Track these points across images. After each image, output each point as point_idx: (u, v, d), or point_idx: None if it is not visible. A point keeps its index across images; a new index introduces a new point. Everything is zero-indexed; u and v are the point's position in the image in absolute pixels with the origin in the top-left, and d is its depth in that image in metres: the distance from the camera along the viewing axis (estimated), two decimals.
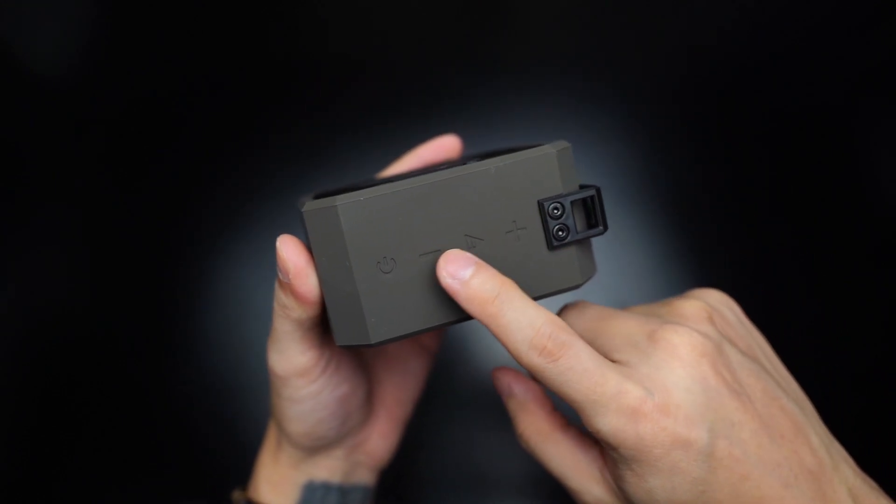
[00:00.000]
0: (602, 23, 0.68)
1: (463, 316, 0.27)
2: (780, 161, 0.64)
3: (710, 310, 0.29)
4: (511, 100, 0.65)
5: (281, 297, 0.29)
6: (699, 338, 0.26)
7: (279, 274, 0.28)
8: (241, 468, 0.58)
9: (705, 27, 0.68)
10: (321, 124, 0.65)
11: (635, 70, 0.66)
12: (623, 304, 0.60)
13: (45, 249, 0.62)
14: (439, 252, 0.27)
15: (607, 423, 0.25)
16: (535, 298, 0.28)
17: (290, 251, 0.28)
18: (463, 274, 0.25)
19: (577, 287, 0.28)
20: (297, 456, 0.33)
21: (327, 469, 0.34)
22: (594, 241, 0.61)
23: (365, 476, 0.36)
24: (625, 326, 0.28)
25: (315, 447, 0.33)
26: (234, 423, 0.58)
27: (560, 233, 0.27)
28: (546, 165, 0.27)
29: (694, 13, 0.68)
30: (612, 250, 0.61)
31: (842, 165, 0.63)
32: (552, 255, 0.27)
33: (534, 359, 0.25)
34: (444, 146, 0.35)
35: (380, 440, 0.36)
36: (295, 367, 0.30)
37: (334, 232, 0.26)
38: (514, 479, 0.57)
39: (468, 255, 0.26)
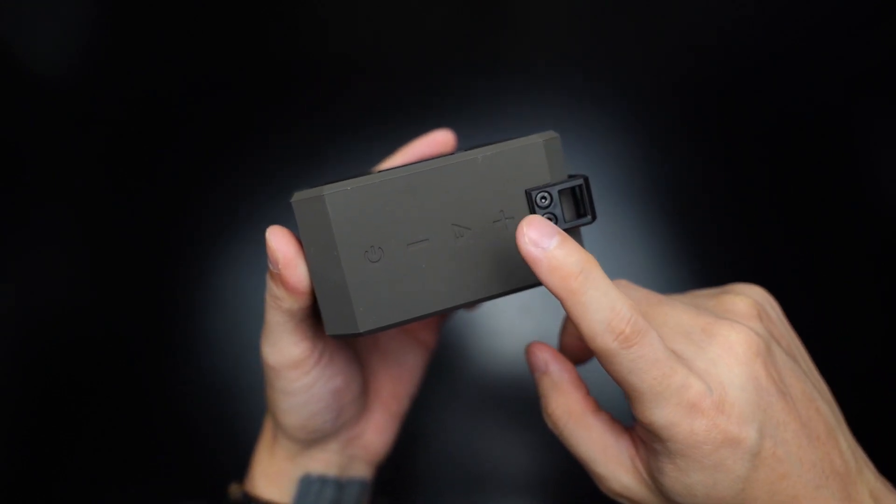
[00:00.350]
0: (602, 22, 0.68)
1: (451, 305, 0.27)
2: (781, 160, 0.64)
3: (759, 307, 0.29)
4: (511, 99, 0.65)
5: (272, 287, 0.29)
6: (754, 337, 0.26)
7: (269, 264, 0.28)
8: (241, 468, 0.58)
9: (706, 26, 0.68)
10: (321, 124, 0.65)
11: (635, 69, 0.66)
12: None
13: (44, 249, 0.62)
14: (427, 241, 0.27)
15: (664, 415, 0.25)
16: (523, 289, 0.28)
17: (279, 241, 0.28)
18: (547, 243, 0.24)
19: None
20: (293, 449, 0.33)
21: (323, 462, 0.33)
22: (586, 233, 0.61)
23: (362, 470, 0.35)
24: (679, 316, 0.28)
25: (310, 440, 0.32)
26: (233, 423, 0.58)
27: None
28: (534, 155, 0.27)
29: (694, 12, 0.68)
30: (611, 249, 0.61)
31: (842, 165, 0.63)
32: None
33: (609, 342, 0.25)
34: (438, 140, 0.35)
35: (376, 434, 0.36)
36: (288, 358, 0.30)
37: (322, 222, 0.26)
38: (514, 479, 0.57)
39: (551, 223, 0.25)
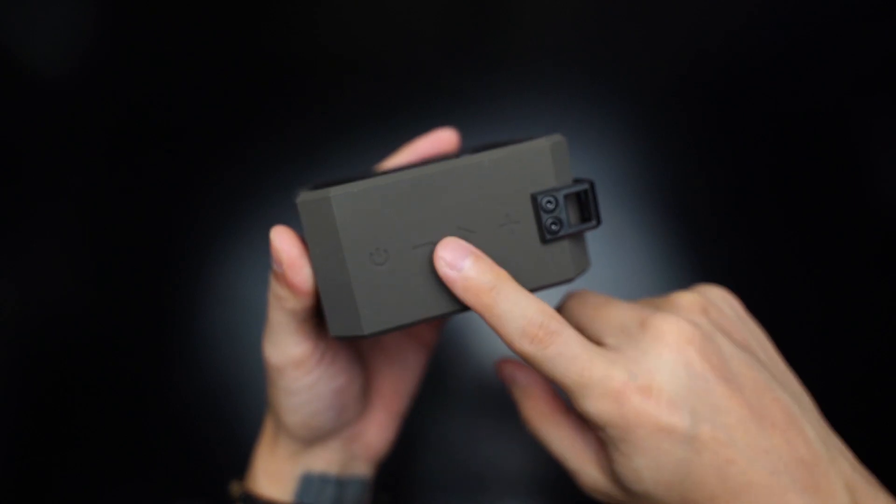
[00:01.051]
0: (604, 22, 0.68)
1: (456, 308, 0.27)
2: (783, 161, 0.64)
3: (706, 302, 0.29)
4: (510, 98, 0.65)
5: (276, 287, 0.29)
6: (687, 325, 0.27)
7: (273, 264, 0.29)
8: (240, 467, 0.58)
9: (707, 25, 0.68)
10: (320, 123, 0.65)
11: (636, 69, 0.66)
12: None
13: (44, 249, 0.62)
14: (432, 244, 0.27)
15: (593, 405, 0.26)
16: (530, 290, 0.28)
17: (283, 241, 0.28)
18: (460, 264, 0.26)
19: (569, 281, 0.28)
20: (294, 447, 0.33)
21: (324, 460, 0.34)
22: (589, 235, 0.61)
23: (362, 468, 0.36)
24: (619, 313, 0.29)
25: (312, 438, 0.33)
26: (233, 423, 0.58)
27: (553, 226, 0.27)
28: (540, 158, 0.27)
29: (696, 11, 0.68)
30: (612, 249, 0.61)
31: (845, 166, 0.63)
32: (545, 248, 0.27)
33: (525, 346, 0.26)
34: (441, 139, 0.35)
35: (377, 432, 0.36)
36: (290, 357, 0.30)
37: (328, 223, 0.26)
38: (514, 479, 0.57)
39: (465, 244, 0.26)
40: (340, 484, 0.34)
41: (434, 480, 0.57)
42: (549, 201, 0.27)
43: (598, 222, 0.28)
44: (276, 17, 0.68)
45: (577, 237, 0.29)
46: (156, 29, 0.68)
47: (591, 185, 0.28)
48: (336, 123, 0.65)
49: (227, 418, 0.58)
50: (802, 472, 0.27)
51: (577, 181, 0.28)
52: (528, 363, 0.27)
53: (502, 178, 0.27)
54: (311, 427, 0.32)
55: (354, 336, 0.27)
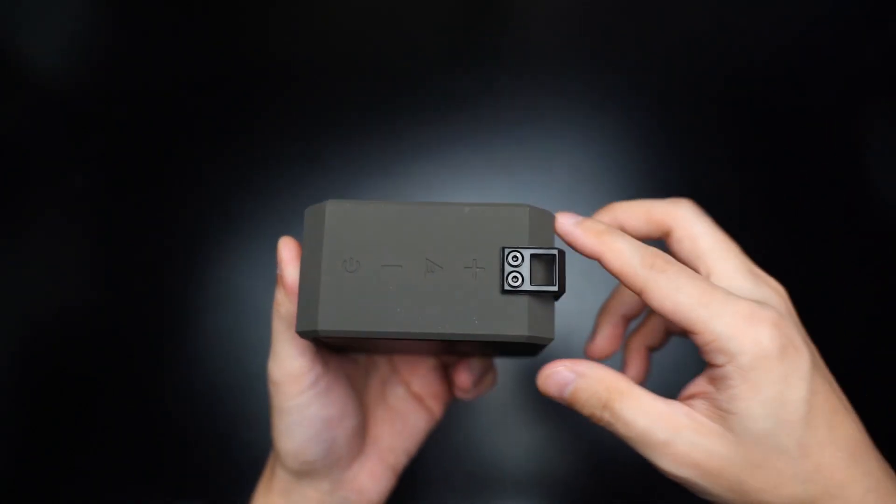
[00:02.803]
0: (604, 22, 0.68)
1: (406, 331, 0.28)
2: (785, 162, 0.64)
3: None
4: (511, 98, 0.65)
5: (276, 295, 0.32)
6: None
7: (277, 270, 0.32)
8: (241, 468, 0.58)
9: (708, 26, 0.68)
10: (320, 123, 0.65)
11: (636, 69, 0.66)
12: None
13: (43, 249, 0.62)
14: (400, 267, 0.29)
15: (726, 324, 0.26)
16: (479, 338, 0.29)
17: (285, 246, 0.32)
18: (576, 219, 0.29)
19: (523, 339, 0.29)
20: (288, 483, 0.34)
21: (315, 501, 0.34)
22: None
23: None
24: (735, 258, 0.31)
25: (302, 471, 0.33)
26: (233, 423, 0.58)
27: (513, 280, 0.28)
28: (517, 219, 0.29)
29: (697, 12, 0.68)
30: None
31: (847, 166, 0.64)
32: (504, 299, 0.29)
33: (647, 272, 0.27)
34: None
35: (370, 482, 0.37)
36: (287, 370, 0.32)
37: (319, 228, 0.30)
38: (514, 479, 0.57)
39: (572, 214, 0.30)
40: None
41: (434, 480, 0.57)
42: (514, 256, 0.29)
43: (560, 290, 0.29)
44: (277, 17, 0.68)
45: (543, 303, 0.30)
46: (156, 28, 0.68)
47: (561, 253, 0.29)
48: (336, 124, 0.65)
49: (228, 419, 0.58)
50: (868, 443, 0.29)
51: (549, 248, 0.30)
52: (648, 294, 0.27)
53: (478, 227, 0.29)
54: (301, 458, 0.33)
55: (311, 331, 0.29)
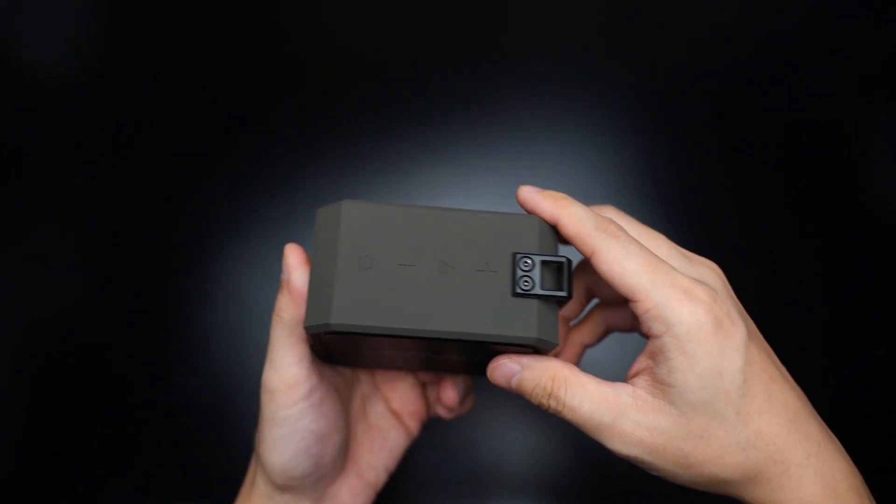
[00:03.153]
0: (604, 23, 0.68)
1: (417, 328, 0.29)
2: (786, 163, 0.64)
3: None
4: (511, 99, 0.65)
5: (278, 300, 0.32)
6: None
7: (282, 276, 0.32)
8: (242, 468, 0.58)
9: (709, 26, 0.68)
10: (320, 123, 0.65)
11: (637, 70, 0.66)
12: None
13: (44, 249, 0.62)
14: (415, 267, 0.30)
15: (665, 295, 0.28)
16: (490, 339, 0.29)
17: (291, 252, 0.32)
18: (537, 189, 0.31)
19: (532, 341, 0.30)
20: (268, 495, 0.34)
21: None
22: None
23: None
24: (667, 247, 0.33)
25: (286, 486, 0.33)
26: (233, 423, 0.58)
27: (524, 283, 0.30)
28: (529, 227, 0.31)
29: (699, 13, 0.68)
30: None
31: (848, 168, 0.64)
32: (514, 301, 0.30)
33: (599, 234, 0.29)
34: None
35: (350, 498, 0.37)
36: (283, 378, 0.32)
37: (334, 226, 0.30)
38: (514, 479, 0.57)
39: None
40: None
41: (434, 480, 0.57)
42: (525, 261, 0.30)
43: (569, 295, 0.30)
44: (278, 19, 0.68)
45: (550, 309, 0.31)
46: (157, 29, 0.68)
47: (569, 261, 0.31)
48: (336, 124, 0.65)
49: (228, 419, 0.58)
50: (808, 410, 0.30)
51: (559, 256, 0.31)
52: (598, 257, 0.29)
53: (491, 234, 0.31)
54: (288, 473, 0.33)
55: (323, 325, 0.29)
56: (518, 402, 0.58)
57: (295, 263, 0.32)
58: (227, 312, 0.60)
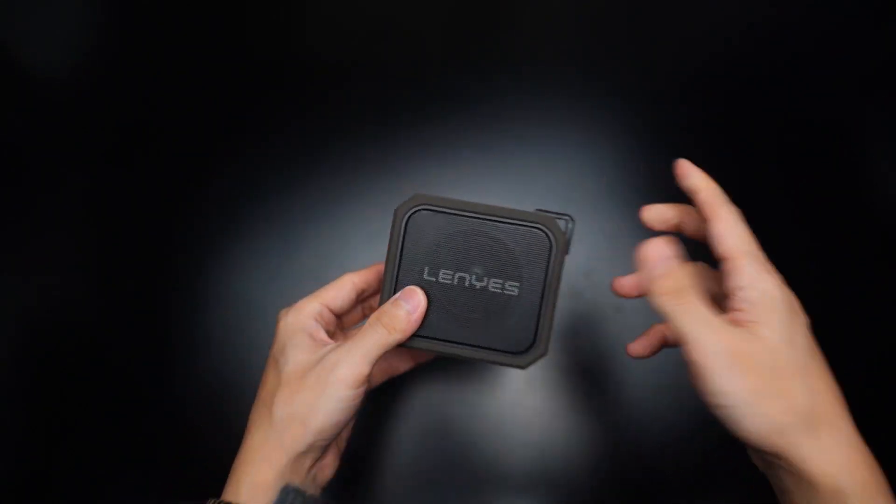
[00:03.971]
0: (604, 23, 0.68)
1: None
2: (785, 162, 0.64)
3: None
4: (510, 99, 0.65)
5: (398, 315, 0.39)
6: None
7: (407, 308, 0.39)
8: None
9: (708, 27, 0.68)
10: (320, 123, 0.65)
11: (637, 70, 0.66)
12: (624, 307, 0.60)
13: (44, 248, 0.62)
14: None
15: (755, 267, 0.36)
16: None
17: (414, 296, 0.40)
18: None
19: (528, 352, 0.41)
20: (282, 463, 0.38)
21: (299, 478, 0.39)
22: (591, 234, 0.61)
23: (316, 491, 0.42)
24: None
25: (308, 453, 0.39)
26: (233, 423, 0.58)
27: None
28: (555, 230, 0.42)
29: (698, 13, 0.69)
30: (612, 250, 0.61)
31: (846, 167, 0.64)
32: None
33: (726, 205, 0.39)
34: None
35: (331, 465, 0.43)
36: (359, 373, 0.38)
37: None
38: (514, 479, 0.57)
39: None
40: (305, 499, 0.39)
41: (434, 480, 0.57)
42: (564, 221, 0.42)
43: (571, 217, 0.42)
44: (278, 18, 0.68)
45: (549, 330, 0.41)
46: (158, 28, 0.68)
47: (571, 217, 0.42)
48: (337, 124, 0.65)
49: (227, 418, 0.58)
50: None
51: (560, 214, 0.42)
52: (712, 222, 0.39)
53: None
54: (324, 434, 0.38)
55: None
56: (518, 401, 0.58)
57: (420, 310, 0.40)
58: (227, 312, 0.60)
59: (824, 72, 0.66)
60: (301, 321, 0.41)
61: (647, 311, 0.62)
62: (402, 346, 0.40)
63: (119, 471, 0.57)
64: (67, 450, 0.57)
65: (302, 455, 0.38)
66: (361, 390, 0.38)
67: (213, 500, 0.38)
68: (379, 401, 0.57)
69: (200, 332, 0.60)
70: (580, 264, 0.61)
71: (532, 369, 0.59)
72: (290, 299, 0.64)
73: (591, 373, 0.59)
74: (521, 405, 0.58)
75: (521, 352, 0.41)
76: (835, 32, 0.68)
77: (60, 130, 0.65)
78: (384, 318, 0.39)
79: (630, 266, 0.63)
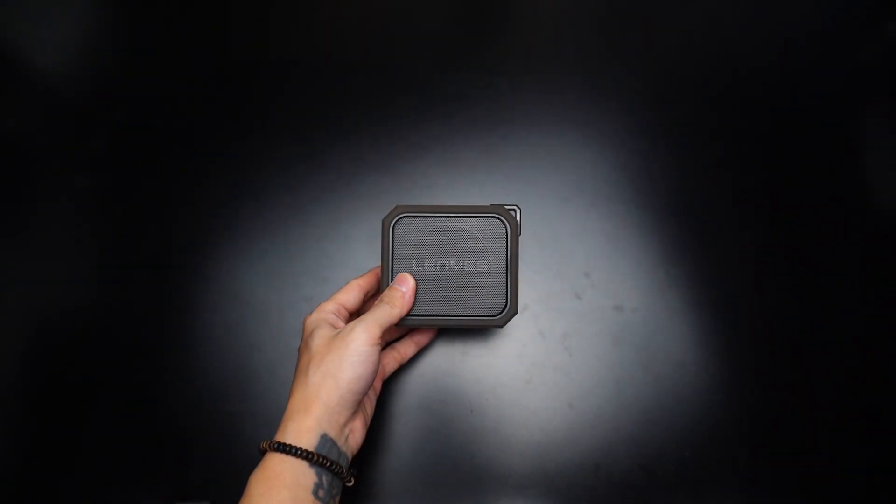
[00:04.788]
0: (603, 23, 0.68)
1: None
2: (781, 161, 0.64)
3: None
4: (511, 99, 0.65)
5: (395, 296, 0.49)
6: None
7: (402, 290, 0.50)
8: (241, 468, 0.58)
9: (706, 28, 0.68)
10: (320, 123, 0.65)
11: (636, 70, 0.66)
12: (624, 307, 0.60)
13: (45, 248, 0.62)
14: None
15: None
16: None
17: (410, 281, 0.51)
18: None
19: (502, 314, 0.51)
20: (323, 416, 0.46)
21: (335, 431, 0.47)
22: (589, 234, 0.61)
23: (347, 452, 0.49)
24: None
25: (340, 405, 0.47)
26: (234, 424, 0.58)
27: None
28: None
29: (696, 13, 0.69)
30: (611, 250, 0.61)
31: (842, 166, 0.64)
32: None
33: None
34: None
35: (359, 431, 0.50)
36: (373, 337, 0.47)
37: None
38: (515, 479, 0.57)
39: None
40: (339, 451, 0.47)
41: (435, 480, 0.57)
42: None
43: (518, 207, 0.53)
44: (278, 20, 0.68)
45: (516, 293, 0.51)
46: (158, 31, 0.68)
47: (518, 208, 0.52)
48: (337, 124, 0.65)
49: (228, 418, 0.58)
50: None
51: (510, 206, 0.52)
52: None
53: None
54: (353, 389, 0.46)
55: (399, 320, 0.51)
56: (518, 401, 0.58)
57: (411, 292, 0.50)
58: (228, 312, 0.60)
59: (824, 71, 0.66)
60: (323, 316, 0.50)
61: (646, 310, 0.63)
62: (404, 325, 0.51)
63: (119, 470, 0.57)
64: (68, 450, 0.57)
65: (336, 407, 0.46)
66: (377, 349, 0.47)
67: (265, 442, 0.45)
68: (379, 400, 0.57)
69: (200, 332, 0.60)
70: (580, 264, 0.61)
71: (532, 369, 0.59)
72: (290, 299, 0.64)
73: (590, 373, 0.59)
74: (521, 405, 0.58)
75: (498, 314, 0.50)
76: (835, 32, 0.68)
77: (60, 130, 0.65)
78: (385, 297, 0.49)
79: (629, 266, 0.63)
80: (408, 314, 0.50)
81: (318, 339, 0.48)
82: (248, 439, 0.57)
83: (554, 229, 0.62)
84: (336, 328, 0.49)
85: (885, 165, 0.64)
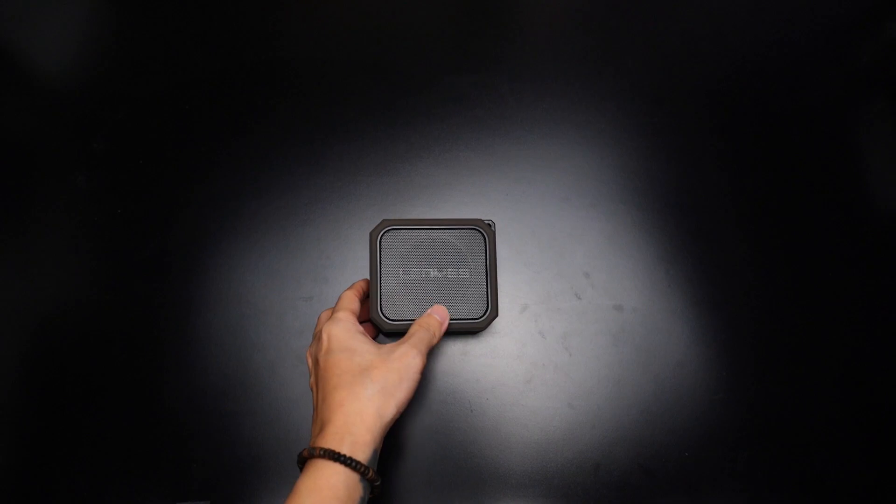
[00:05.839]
0: (602, 23, 0.68)
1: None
2: (781, 161, 0.64)
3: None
4: (511, 99, 0.65)
5: (433, 326, 0.52)
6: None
7: (437, 318, 0.52)
8: (241, 468, 0.58)
9: (705, 29, 0.68)
10: (321, 124, 0.65)
11: (635, 69, 0.66)
12: (624, 307, 0.60)
13: (45, 248, 0.62)
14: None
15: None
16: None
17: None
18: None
19: (482, 323, 0.53)
20: (378, 430, 0.46)
21: (378, 447, 0.47)
22: (591, 235, 0.61)
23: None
24: None
25: (390, 422, 0.47)
26: (234, 424, 0.58)
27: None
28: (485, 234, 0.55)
29: (695, 13, 0.69)
30: (610, 249, 0.61)
31: (841, 165, 0.64)
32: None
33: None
34: None
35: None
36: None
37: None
38: (515, 479, 0.57)
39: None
40: (377, 468, 0.48)
41: (435, 480, 0.57)
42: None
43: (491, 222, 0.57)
44: (279, 21, 0.68)
45: (496, 298, 0.54)
46: (160, 31, 0.68)
47: (493, 223, 0.57)
48: (337, 124, 0.65)
49: (228, 418, 0.58)
50: None
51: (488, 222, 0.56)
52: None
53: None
54: (401, 410, 0.47)
55: (379, 321, 0.53)
56: (518, 401, 0.58)
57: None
58: (228, 312, 0.60)
59: (824, 72, 0.67)
60: (351, 326, 0.50)
61: (645, 311, 0.63)
62: (392, 330, 0.53)
63: (119, 470, 0.57)
64: (68, 449, 0.57)
65: (389, 424, 0.47)
66: (420, 376, 0.49)
67: (318, 449, 0.44)
68: None
69: (200, 332, 0.60)
70: (580, 264, 0.61)
71: (532, 369, 0.59)
72: (290, 299, 0.64)
73: (590, 372, 0.59)
74: (521, 405, 0.58)
75: (480, 317, 0.53)
76: (834, 32, 0.68)
77: (60, 130, 0.65)
78: (424, 323, 0.51)
79: (629, 266, 0.63)
80: (395, 319, 0.52)
81: (367, 354, 0.48)
82: (248, 439, 0.57)
83: (554, 229, 0.62)
84: (368, 336, 0.50)
85: (885, 165, 0.64)
